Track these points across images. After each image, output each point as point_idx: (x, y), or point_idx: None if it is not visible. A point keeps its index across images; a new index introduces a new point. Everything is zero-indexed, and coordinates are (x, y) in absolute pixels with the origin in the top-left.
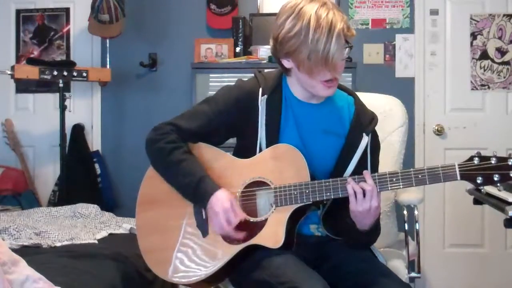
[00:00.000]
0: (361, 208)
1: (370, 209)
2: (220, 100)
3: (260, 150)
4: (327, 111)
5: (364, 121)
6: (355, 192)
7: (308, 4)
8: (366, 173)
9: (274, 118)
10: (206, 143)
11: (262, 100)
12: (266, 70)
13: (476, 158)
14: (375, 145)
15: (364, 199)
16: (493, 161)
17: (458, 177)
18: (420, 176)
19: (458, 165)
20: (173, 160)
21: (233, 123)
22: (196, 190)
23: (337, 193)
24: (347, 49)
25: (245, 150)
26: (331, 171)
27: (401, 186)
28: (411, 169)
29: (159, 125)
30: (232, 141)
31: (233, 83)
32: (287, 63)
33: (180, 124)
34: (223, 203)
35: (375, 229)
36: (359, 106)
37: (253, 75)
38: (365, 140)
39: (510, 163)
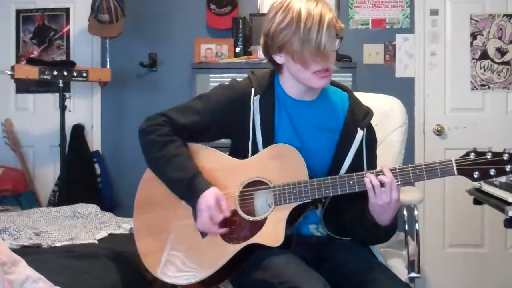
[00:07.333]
0: (381, 202)
1: (390, 202)
2: (212, 99)
3: (256, 149)
4: (321, 108)
5: (359, 115)
6: (373, 186)
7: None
8: (384, 167)
9: (268, 118)
10: (202, 143)
11: (255, 100)
12: (259, 70)
13: (472, 154)
14: (370, 138)
15: (384, 192)
16: (488, 156)
17: (455, 172)
18: (418, 172)
19: (455, 160)
20: (166, 154)
21: (225, 123)
22: (188, 186)
23: (336, 191)
24: (337, 40)
25: (241, 150)
26: (328, 167)
27: (399, 182)
28: (409, 165)
29: (153, 115)
30: (228, 141)
31: (228, 83)
32: (279, 59)
33: (172, 117)
34: (207, 201)
35: (394, 224)
36: (353, 101)
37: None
38: (360, 134)
39: (505, 158)
